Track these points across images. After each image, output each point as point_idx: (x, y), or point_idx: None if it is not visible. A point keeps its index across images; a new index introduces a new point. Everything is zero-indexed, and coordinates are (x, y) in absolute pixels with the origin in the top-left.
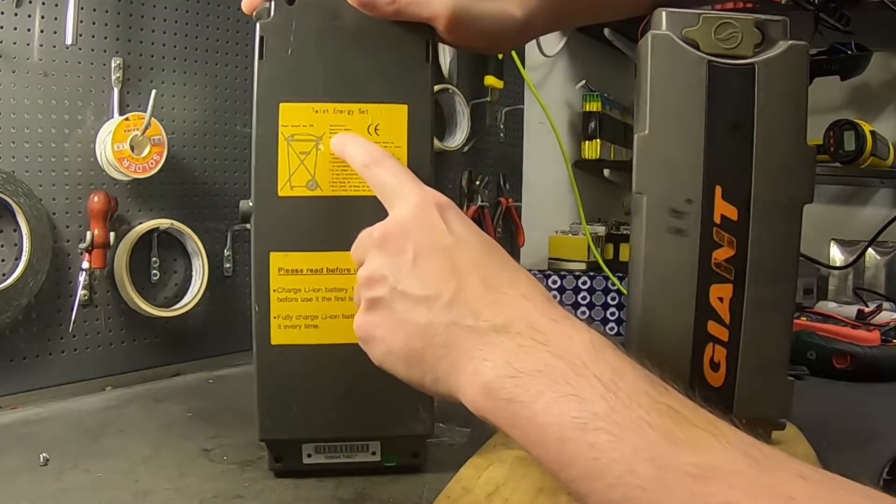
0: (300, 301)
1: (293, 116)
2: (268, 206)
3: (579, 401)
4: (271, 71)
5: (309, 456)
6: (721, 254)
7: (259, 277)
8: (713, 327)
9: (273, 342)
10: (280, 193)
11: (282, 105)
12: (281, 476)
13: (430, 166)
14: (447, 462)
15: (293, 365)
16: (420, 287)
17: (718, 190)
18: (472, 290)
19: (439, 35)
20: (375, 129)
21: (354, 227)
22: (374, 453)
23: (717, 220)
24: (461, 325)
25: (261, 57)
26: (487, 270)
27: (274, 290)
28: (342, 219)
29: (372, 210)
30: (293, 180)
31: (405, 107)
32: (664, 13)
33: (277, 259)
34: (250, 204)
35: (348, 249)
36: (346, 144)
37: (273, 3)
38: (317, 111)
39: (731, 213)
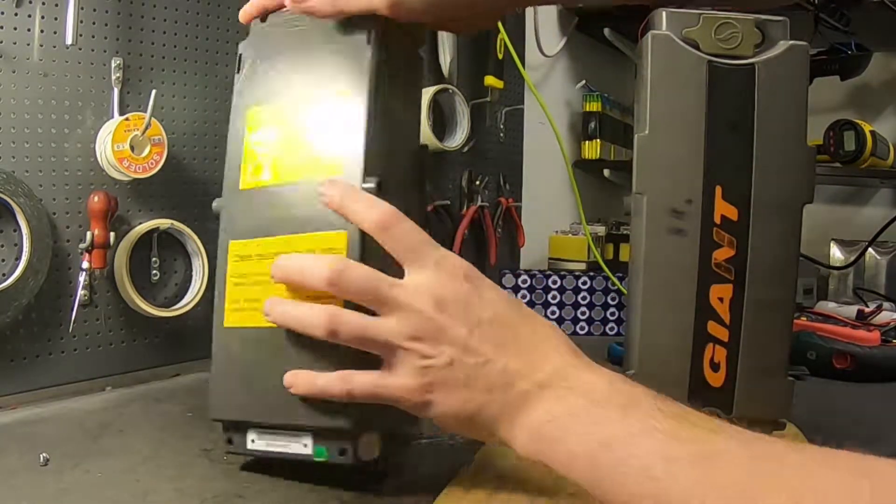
0: (249, 285)
1: (257, 118)
2: (231, 199)
3: (602, 428)
4: (244, 82)
5: (252, 441)
6: (721, 254)
7: (220, 266)
8: (713, 327)
9: (225, 325)
10: (241, 187)
11: (248, 110)
12: (234, 456)
13: (388, 156)
14: (447, 462)
15: (238, 347)
16: (475, 357)
17: (718, 190)
18: (518, 355)
19: (390, 19)
20: None
21: (299, 211)
22: (305, 445)
23: (717, 220)
24: (515, 390)
25: (238, 71)
26: (522, 332)
27: (230, 277)
28: (288, 205)
29: (312, 195)
30: (252, 173)
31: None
32: (664, 13)
33: (235, 247)
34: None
35: (295, 233)
36: (345, 202)
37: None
38: (277, 114)
39: (732, 213)
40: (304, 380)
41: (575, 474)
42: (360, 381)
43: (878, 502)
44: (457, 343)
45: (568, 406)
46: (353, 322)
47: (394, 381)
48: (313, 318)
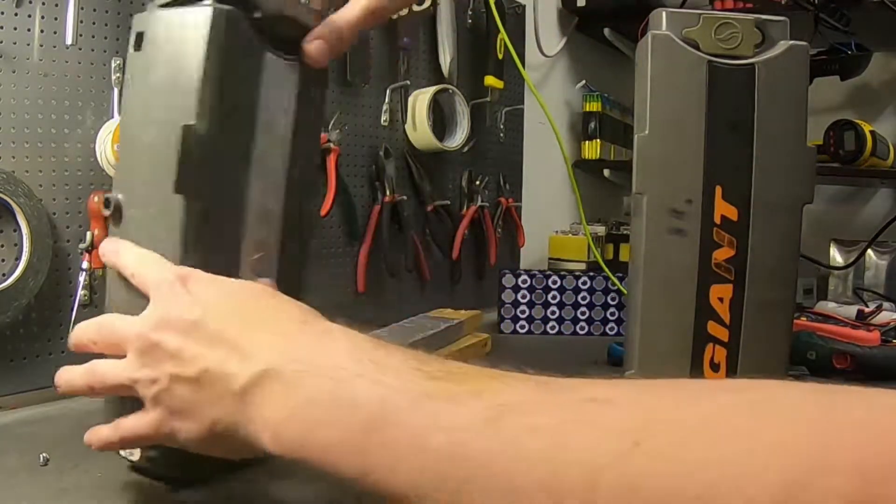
0: None
1: None
2: None
3: (357, 410)
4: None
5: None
6: (721, 254)
7: None
8: (713, 327)
9: None
10: None
11: None
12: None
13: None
14: None
15: None
16: (192, 365)
17: (718, 190)
18: (232, 348)
19: None
20: None
21: None
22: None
23: (717, 220)
24: (231, 392)
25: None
26: (239, 320)
27: None
28: None
29: None
30: None
31: None
32: (664, 13)
33: None
34: None
35: None
36: (118, 254)
37: None
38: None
39: (731, 213)
40: (95, 437)
41: (342, 469)
42: (125, 426)
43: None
44: (173, 356)
45: (307, 390)
46: (105, 372)
47: (141, 420)
48: (75, 379)
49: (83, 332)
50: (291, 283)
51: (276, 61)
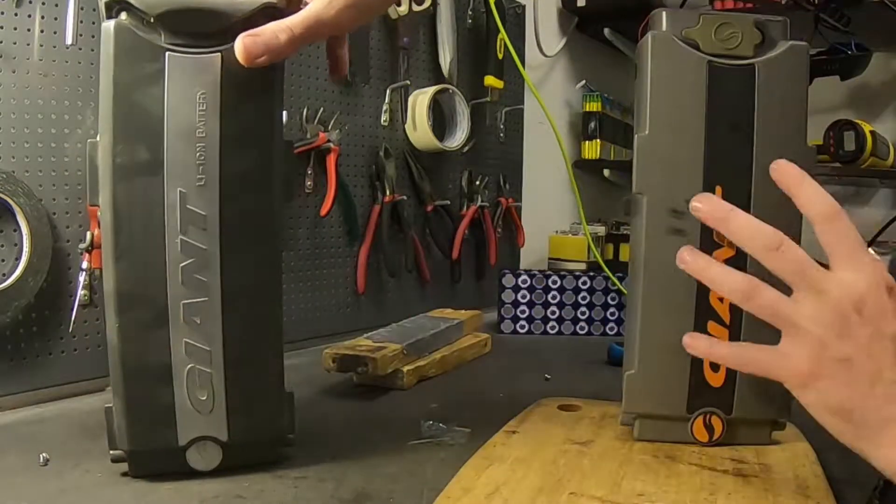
0: None
1: None
2: None
3: None
4: None
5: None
6: (721, 254)
7: None
8: (713, 327)
9: None
10: None
11: None
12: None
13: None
14: (447, 462)
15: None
16: (871, 363)
17: (718, 190)
18: None
19: None
20: None
21: None
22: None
23: None
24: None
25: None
26: None
27: None
28: None
29: None
30: None
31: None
32: (664, 13)
33: None
34: None
35: None
36: (802, 185)
37: None
38: None
39: None
40: (703, 344)
41: None
42: (754, 355)
43: None
44: (860, 345)
45: None
46: (768, 295)
47: (787, 362)
48: (733, 281)
49: (798, 251)
50: (264, 288)
51: (182, 58)
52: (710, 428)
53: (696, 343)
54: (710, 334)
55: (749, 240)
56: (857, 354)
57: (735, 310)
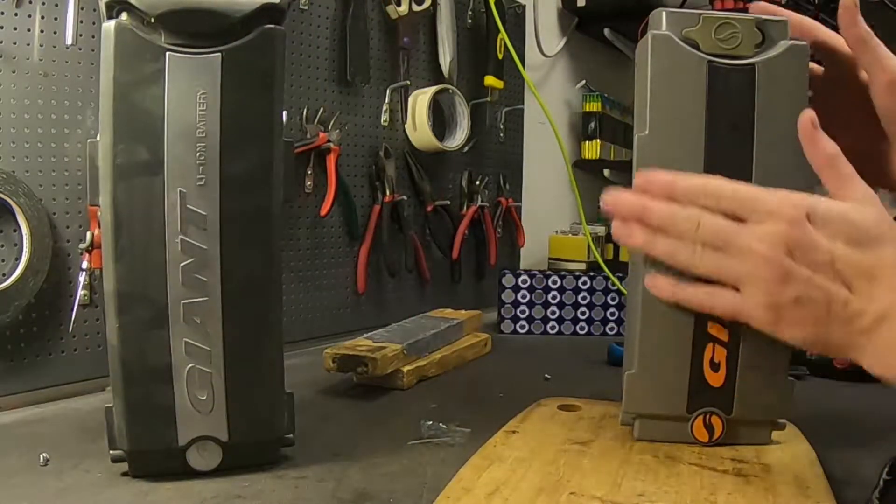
0: None
1: None
2: None
3: None
4: None
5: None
6: None
7: None
8: (713, 327)
9: None
10: None
11: None
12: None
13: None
14: (447, 462)
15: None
16: (822, 291)
17: None
18: (861, 292)
19: None
20: None
21: None
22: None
23: None
24: (854, 326)
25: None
26: (872, 261)
27: None
28: None
29: None
30: None
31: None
32: (664, 13)
33: None
34: None
35: None
36: (815, 138)
37: None
38: None
39: None
40: (665, 285)
41: None
42: (721, 300)
43: None
44: (802, 282)
45: None
46: (709, 262)
47: (750, 311)
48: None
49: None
50: (264, 288)
51: (183, 59)
52: (709, 428)
53: (657, 283)
54: (710, 334)
55: (672, 226)
56: (804, 291)
57: None
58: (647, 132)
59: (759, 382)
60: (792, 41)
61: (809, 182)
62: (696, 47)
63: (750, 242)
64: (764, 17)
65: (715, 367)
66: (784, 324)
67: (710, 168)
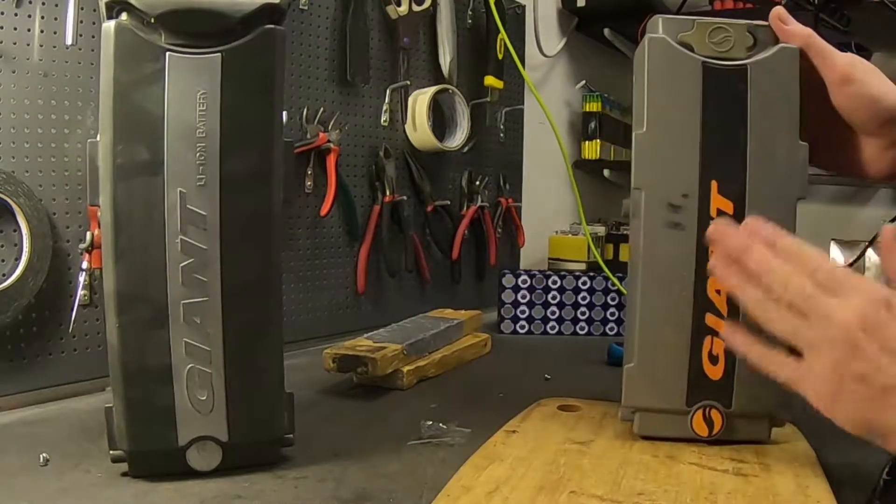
0: None
1: None
2: None
3: None
4: None
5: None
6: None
7: None
8: (711, 320)
9: None
10: None
11: None
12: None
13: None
14: (447, 462)
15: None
16: (886, 374)
17: (714, 185)
18: None
19: None
20: None
21: None
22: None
23: (713, 213)
24: None
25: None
26: None
27: None
28: None
29: None
30: None
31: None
32: (660, 20)
33: None
34: None
35: None
36: (800, 252)
37: None
38: None
39: (727, 207)
40: (741, 340)
41: None
42: (787, 368)
43: None
44: (870, 361)
45: None
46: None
47: (812, 378)
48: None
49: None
50: (263, 288)
51: (182, 59)
52: (709, 422)
53: (736, 338)
54: (708, 326)
55: (765, 274)
56: (869, 368)
57: (733, 302)
58: (644, 130)
59: (759, 376)
60: (783, 44)
61: (801, 177)
62: (691, 50)
63: (829, 311)
64: (756, 22)
65: (714, 359)
66: (840, 400)
67: (706, 164)
